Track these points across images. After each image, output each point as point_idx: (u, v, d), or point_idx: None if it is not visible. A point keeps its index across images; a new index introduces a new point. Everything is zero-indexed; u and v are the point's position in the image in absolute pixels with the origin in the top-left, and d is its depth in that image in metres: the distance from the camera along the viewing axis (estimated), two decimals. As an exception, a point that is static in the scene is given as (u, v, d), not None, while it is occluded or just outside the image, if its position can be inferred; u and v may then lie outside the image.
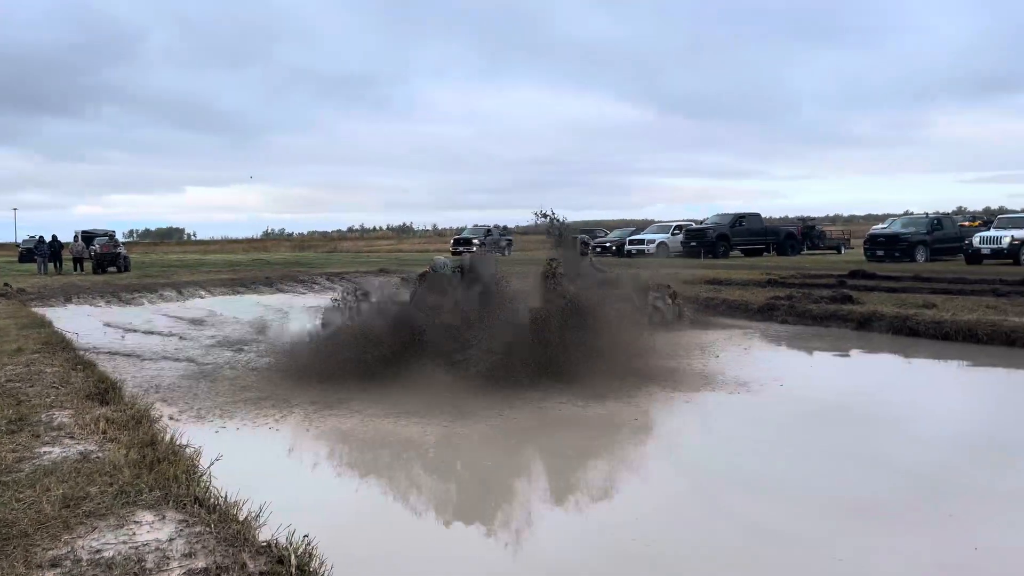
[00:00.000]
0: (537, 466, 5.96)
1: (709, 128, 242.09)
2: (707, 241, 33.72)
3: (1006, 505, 4.84)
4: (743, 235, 34.94)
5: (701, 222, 37.15)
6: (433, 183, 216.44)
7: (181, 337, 12.54)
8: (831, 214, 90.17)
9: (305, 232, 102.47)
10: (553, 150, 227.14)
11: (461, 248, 43.35)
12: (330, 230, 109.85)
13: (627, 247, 36.81)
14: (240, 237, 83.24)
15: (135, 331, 13.39)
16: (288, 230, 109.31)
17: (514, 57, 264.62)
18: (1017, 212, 32.23)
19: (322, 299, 19.94)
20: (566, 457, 6.09)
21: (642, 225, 46.01)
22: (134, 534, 3.46)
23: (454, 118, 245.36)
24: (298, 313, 15.96)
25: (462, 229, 50.00)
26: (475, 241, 43.43)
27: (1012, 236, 23.72)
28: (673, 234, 36.65)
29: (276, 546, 3.36)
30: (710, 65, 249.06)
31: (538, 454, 6.20)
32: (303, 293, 21.33)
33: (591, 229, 46.70)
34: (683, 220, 39.24)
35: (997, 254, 23.65)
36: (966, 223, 32.24)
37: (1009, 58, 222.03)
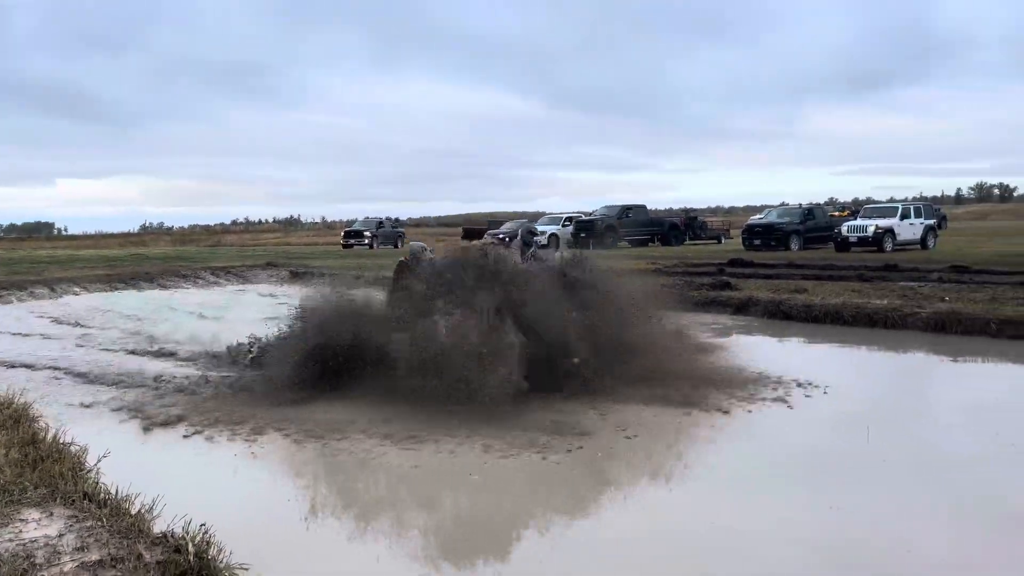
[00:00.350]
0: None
1: (602, 122, 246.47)
2: (596, 232, 34.53)
3: (864, 470, 5.30)
4: (630, 226, 35.91)
5: (590, 214, 37.97)
6: (325, 175, 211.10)
7: (55, 337, 11.94)
8: (713, 205, 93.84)
9: (186, 226, 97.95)
10: (449, 142, 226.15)
11: (352, 241, 42.70)
12: (213, 223, 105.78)
13: (519, 238, 37.21)
14: (116, 232, 78.94)
15: (4, 332, 12.64)
16: (168, 224, 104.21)
17: (408, 47, 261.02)
18: (882, 203, 34.44)
19: (207, 293, 19.41)
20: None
21: (535, 217, 46.60)
22: (20, 532, 3.37)
23: (347, 108, 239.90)
24: (185, 308, 15.47)
25: (353, 221, 49.17)
26: (367, 234, 42.86)
27: (876, 225, 25.45)
28: (564, 226, 37.30)
29: (172, 536, 3.35)
30: (601, 60, 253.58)
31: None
32: (187, 288, 20.59)
33: (500, 221, 47.06)
34: (573, 212, 39.99)
35: (863, 242, 25.29)
36: (836, 213, 34.29)
37: (877, 58, 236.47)
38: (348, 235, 43.81)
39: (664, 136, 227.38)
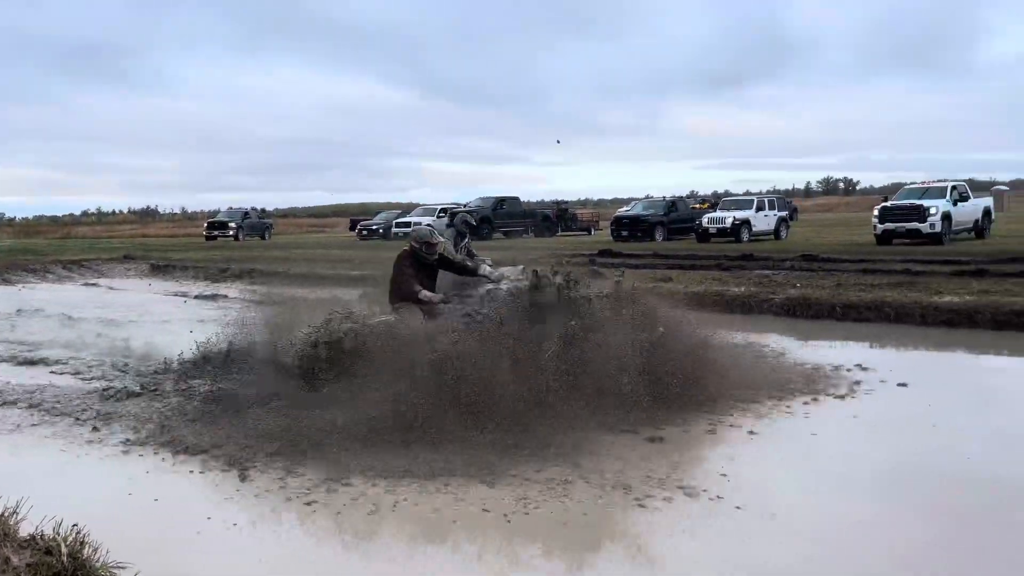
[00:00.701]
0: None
1: (473, 114, 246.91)
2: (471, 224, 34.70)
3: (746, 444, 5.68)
4: (504, 218, 36.33)
5: (465, 205, 38.11)
6: (185, 163, 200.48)
7: None
8: (583, 198, 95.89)
9: (31, 217, 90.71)
10: (317, 131, 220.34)
11: (216, 232, 41.03)
12: (61, 214, 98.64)
13: (394, 230, 37.06)
14: (-52, 223, 72.22)
15: None
16: (9, 215, 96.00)
17: (274, 32, 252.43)
18: (739, 196, 36.42)
19: (58, 289, 18.20)
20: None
21: (408, 208, 46.30)
22: None
23: (208, 94, 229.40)
24: (33, 305, 14.47)
25: (216, 212, 47.22)
26: (232, 225, 41.30)
27: (734, 217, 26.92)
28: (438, 217, 37.28)
29: (42, 538, 3.20)
30: (474, 51, 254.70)
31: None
32: (35, 284, 19.26)
33: (373, 212, 46.39)
34: (448, 203, 40.01)
35: (722, 233, 26.70)
36: (697, 205, 35.96)
37: (734, 58, 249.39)
38: (212, 226, 42.10)
39: (535, 128, 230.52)
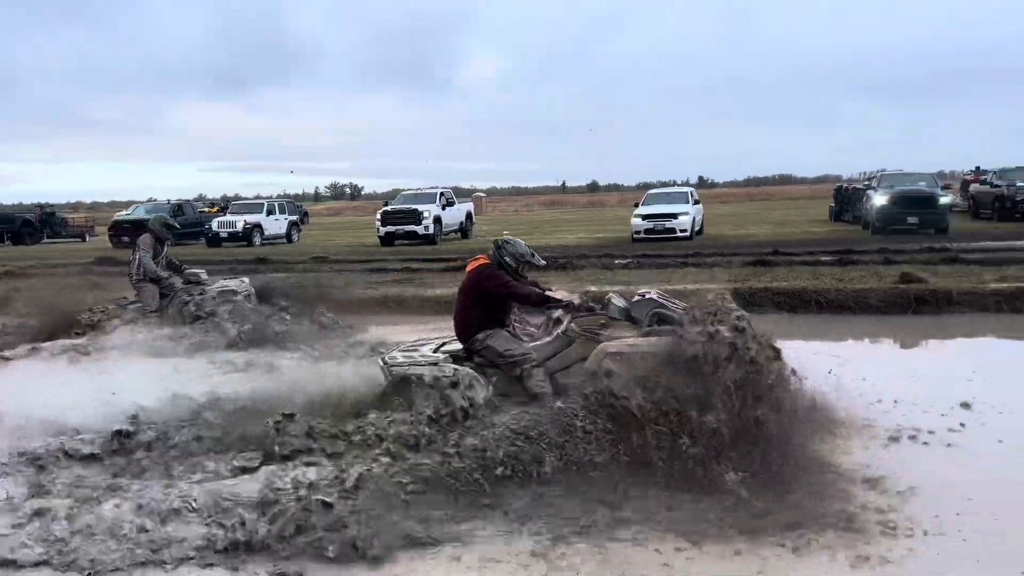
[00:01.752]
0: None
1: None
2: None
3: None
4: (-32, 223, 30.92)
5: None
6: None
7: None
8: (74, 200, 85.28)
9: None
10: None
11: None
12: None
13: None
14: None
15: None
16: None
17: None
18: (250, 199, 36.11)
19: None
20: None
21: None
22: None
23: None
24: None
25: None
26: None
27: (245, 221, 26.77)
28: None
29: None
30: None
31: None
32: None
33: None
34: None
35: (234, 237, 26.33)
36: (206, 209, 34.68)
37: (238, 59, 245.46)
38: None
39: (8, 121, 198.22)
